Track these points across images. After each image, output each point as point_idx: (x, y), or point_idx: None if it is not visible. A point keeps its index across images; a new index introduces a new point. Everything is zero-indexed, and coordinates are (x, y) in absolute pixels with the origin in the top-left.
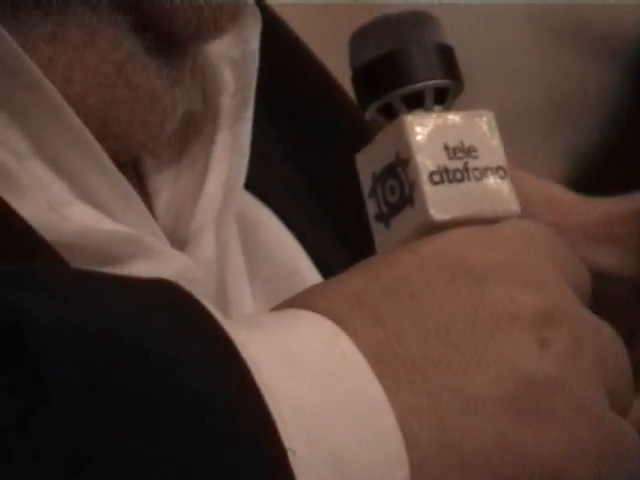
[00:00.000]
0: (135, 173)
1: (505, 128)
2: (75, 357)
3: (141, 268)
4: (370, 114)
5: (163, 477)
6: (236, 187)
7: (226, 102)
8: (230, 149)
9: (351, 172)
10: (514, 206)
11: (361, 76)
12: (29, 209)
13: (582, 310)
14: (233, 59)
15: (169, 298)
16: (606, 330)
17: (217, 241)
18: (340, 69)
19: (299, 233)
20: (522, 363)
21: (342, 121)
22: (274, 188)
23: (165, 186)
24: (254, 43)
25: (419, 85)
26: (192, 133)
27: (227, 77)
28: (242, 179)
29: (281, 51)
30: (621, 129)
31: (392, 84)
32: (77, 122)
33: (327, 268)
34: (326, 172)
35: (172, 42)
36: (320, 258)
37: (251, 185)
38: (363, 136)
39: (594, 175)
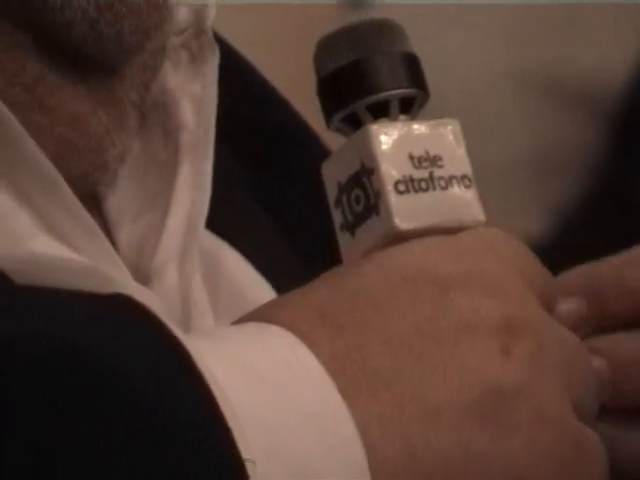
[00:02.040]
0: (95, 205)
1: (486, 182)
2: (27, 371)
3: None
4: (335, 124)
5: None
6: (199, 223)
7: (186, 138)
8: (192, 185)
9: (322, 209)
10: (479, 215)
11: (326, 86)
12: None
13: (546, 318)
14: (193, 94)
15: (124, 310)
16: (570, 338)
17: (180, 277)
18: None
19: (264, 271)
20: (485, 372)
21: (309, 157)
22: (238, 228)
23: (127, 219)
24: (212, 77)
25: (384, 94)
26: (153, 168)
27: (186, 112)
28: (204, 215)
29: (246, 90)
30: (603, 181)
31: (357, 93)
32: (36, 151)
33: None
34: (297, 213)
35: (84, 61)
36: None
37: (214, 225)
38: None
39: (576, 228)
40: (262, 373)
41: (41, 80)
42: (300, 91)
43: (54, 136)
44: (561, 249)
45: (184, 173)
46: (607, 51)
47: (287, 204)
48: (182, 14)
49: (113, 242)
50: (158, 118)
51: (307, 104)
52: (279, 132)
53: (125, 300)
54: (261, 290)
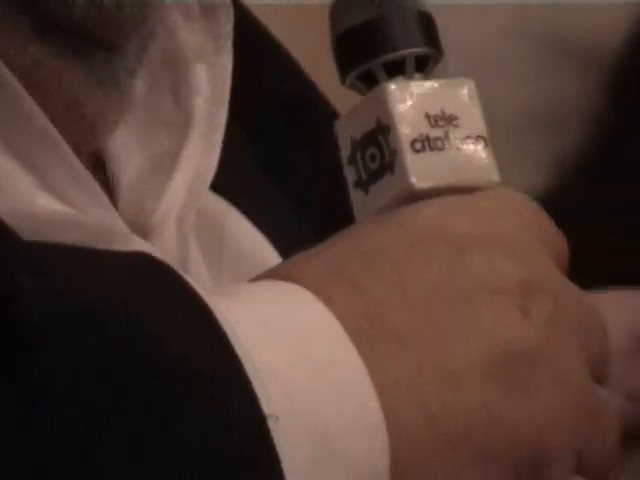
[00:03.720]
0: (98, 162)
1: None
2: (63, 335)
3: None
4: (350, 81)
5: (144, 444)
6: (202, 187)
7: (199, 106)
8: (201, 152)
9: (327, 174)
10: (494, 176)
11: (342, 43)
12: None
13: (563, 280)
14: (205, 54)
15: (148, 269)
16: (585, 300)
17: (178, 234)
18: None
19: (269, 233)
20: (503, 333)
21: (320, 127)
22: (245, 194)
23: (128, 174)
24: (227, 40)
25: (400, 53)
26: (162, 129)
27: (200, 77)
28: (209, 180)
29: (253, 51)
30: (603, 136)
31: (373, 51)
32: (37, 112)
33: None
34: (301, 177)
35: (85, 41)
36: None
37: (220, 188)
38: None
39: (573, 185)
40: (282, 331)
41: (40, 64)
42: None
43: (61, 118)
44: (561, 204)
45: (194, 139)
46: (609, 7)
47: (295, 174)
48: None
49: (112, 197)
50: (169, 77)
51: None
52: (290, 102)
53: (147, 258)
54: (264, 251)
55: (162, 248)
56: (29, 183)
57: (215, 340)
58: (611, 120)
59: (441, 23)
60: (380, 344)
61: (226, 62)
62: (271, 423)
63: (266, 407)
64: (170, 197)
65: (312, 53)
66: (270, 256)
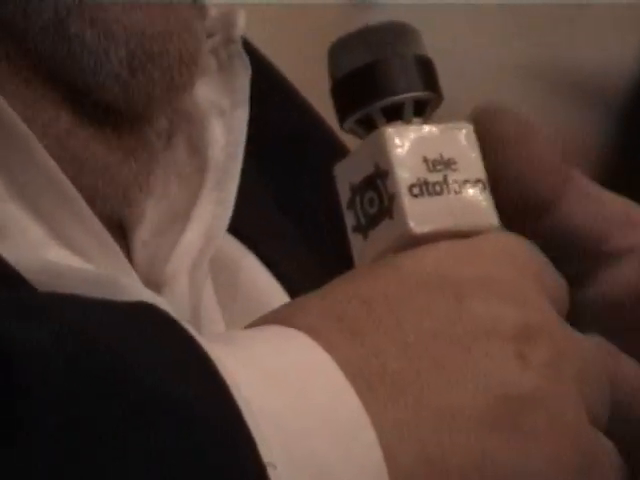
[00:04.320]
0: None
1: None
2: (55, 380)
3: None
4: (349, 125)
5: None
6: (216, 236)
7: (215, 156)
8: (215, 202)
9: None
10: (493, 219)
11: (341, 87)
12: (8, 249)
13: (562, 324)
14: (222, 109)
15: (148, 317)
16: (585, 345)
17: (191, 285)
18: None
19: (284, 278)
20: (501, 378)
21: (330, 161)
22: (261, 234)
23: (142, 229)
24: (244, 94)
25: (399, 97)
26: (175, 180)
27: (216, 128)
28: (223, 231)
29: (266, 94)
30: (610, 175)
31: (372, 96)
32: (52, 165)
33: None
34: (318, 218)
35: (115, 114)
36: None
37: (237, 229)
38: None
39: None
40: (281, 377)
41: (73, 132)
42: (307, 92)
43: (90, 185)
44: None
45: (208, 190)
46: (613, 45)
47: (308, 209)
48: (210, 19)
49: (128, 250)
50: (184, 129)
51: (315, 104)
52: (300, 137)
53: (148, 307)
54: (278, 300)
55: (175, 300)
56: (42, 234)
57: (215, 389)
58: (619, 157)
59: (447, 61)
60: (379, 389)
61: (242, 114)
62: (270, 471)
63: (265, 455)
64: (183, 250)
65: (308, 54)
66: (281, 301)
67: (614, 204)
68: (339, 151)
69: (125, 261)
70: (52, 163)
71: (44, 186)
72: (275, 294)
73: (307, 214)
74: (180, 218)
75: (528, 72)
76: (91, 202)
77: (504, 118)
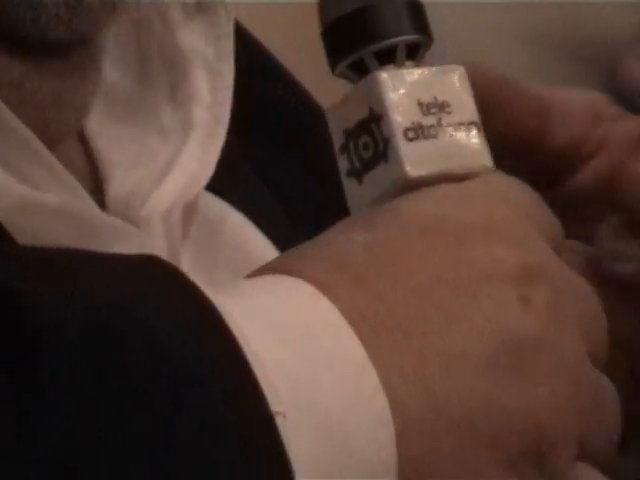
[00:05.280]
0: (84, 145)
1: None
2: (70, 336)
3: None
4: (341, 70)
5: (155, 444)
6: (193, 192)
7: (199, 115)
8: (197, 162)
9: (324, 185)
10: (488, 161)
11: (332, 32)
12: None
13: (560, 264)
14: (206, 59)
15: (154, 272)
16: (582, 285)
17: (166, 230)
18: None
19: (268, 232)
20: (504, 321)
21: (310, 130)
22: (240, 194)
23: (119, 171)
24: (228, 44)
25: (392, 41)
26: (155, 129)
27: (201, 84)
28: (201, 187)
29: (253, 66)
30: None
31: (364, 40)
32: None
33: None
34: (296, 186)
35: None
36: None
37: (217, 190)
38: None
39: None
40: (285, 325)
41: (27, 77)
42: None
43: (42, 121)
44: None
45: (191, 149)
46: (619, 13)
47: (286, 177)
48: None
49: (104, 193)
50: (165, 77)
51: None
52: (279, 105)
53: (153, 260)
54: (265, 249)
55: (151, 242)
56: (6, 176)
57: (223, 342)
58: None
59: (451, 25)
60: (383, 336)
61: (227, 70)
62: (279, 420)
63: (274, 404)
64: (158, 199)
65: (302, 50)
66: (268, 252)
67: (582, 107)
68: (322, 121)
69: (84, 193)
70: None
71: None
72: (261, 245)
73: (290, 187)
74: (158, 169)
75: (530, 36)
76: (51, 137)
77: (483, 70)
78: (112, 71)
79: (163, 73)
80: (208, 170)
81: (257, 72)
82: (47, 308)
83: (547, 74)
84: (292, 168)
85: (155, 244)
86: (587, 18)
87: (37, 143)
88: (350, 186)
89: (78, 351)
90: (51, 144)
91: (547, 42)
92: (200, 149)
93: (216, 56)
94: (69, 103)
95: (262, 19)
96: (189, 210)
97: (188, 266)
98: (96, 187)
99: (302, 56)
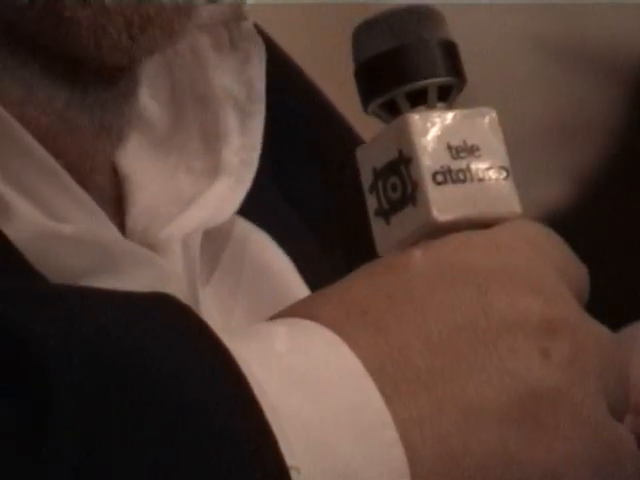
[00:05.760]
0: (114, 173)
1: (508, 149)
2: (76, 374)
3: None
4: (372, 109)
5: None
6: (215, 222)
7: (229, 159)
8: (222, 199)
9: (346, 200)
10: (516, 207)
11: (365, 71)
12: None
13: (583, 317)
14: (237, 100)
15: (167, 311)
16: (605, 337)
17: (185, 255)
18: (337, 70)
19: (291, 251)
20: (525, 375)
21: (337, 147)
22: (265, 214)
23: (143, 199)
24: (260, 86)
25: (423, 82)
26: (183, 166)
27: (232, 126)
28: (225, 219)
29: (277, 82)
30: (624, 149)
31: (396, 81)
32: (29, 140)
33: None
34: (318, 204)
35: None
36: (314, 280)
37: (243, 213)
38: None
39: (596, 196)
40: (304, 375)
41: (72, 105)
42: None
43: (79, 153)
44: (580, 216)
45: (218, 189)
46: (629, 17)
47: (310, 195)
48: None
49: (123, 214)
50: (197, 114)
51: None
52: (311, 127)
53: (168, 300)
54: (287, 269)
55: (169, 267)
56: (29, 207)
57: (237, 390)
58: (631, 129)
59: (461, 33)
60: (402, 385)
61: (258, 111)
62: (293, 475)
63: (289, 457)
64: (180, 224)
65: (311, 53)
66: (291, 276)
67: None
68: (353, 142)
69: (107, 220)
70: (29, 138)
71: (24, 160)
72: (284, 266)
73: (315, 207)
74: (182, 202)
75: (541, 42)
76: (88, 166)
77: None
78: (148, 104)
79: (195, 111)
80: (232, 208)
81: (284, 89)
82: (55, 348)
83: (556, 80)
84: (314, 183)
85: (173, 269)
86: (598, 22)
87: (60, 171)
88: (378, 225)
89: (82, 391)
90: (86, 173)
91: (556, 47)
92: (227, 191)
93: (248, 97)
94: (108, 133)
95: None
96: (211, 234)
97: (209, 289)
98: (119, 212)
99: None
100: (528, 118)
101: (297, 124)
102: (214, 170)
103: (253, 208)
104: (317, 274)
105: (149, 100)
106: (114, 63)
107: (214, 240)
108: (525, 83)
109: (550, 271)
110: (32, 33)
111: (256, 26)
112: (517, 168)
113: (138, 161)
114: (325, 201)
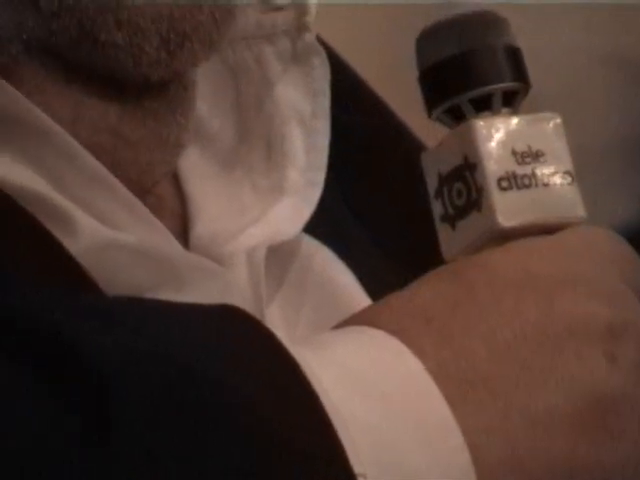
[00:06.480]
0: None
1: (577, 168)
2: (138, 387)
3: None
4: (437, 115)
5: None
6: (279, 240)
7: (294, 178)
8: (287, 220)
9: (414, 217)
10: (581, 212)
11: (429, 77)
12: (64, 238)
13: None
14: (302, 115)
15: (233, 322)
16: None
17: (250, 268)
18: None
19: (356, 272)
20: (591, 380)
21: (402, 161)
22: (331, 231)
23: (207, 212)
24: (324, 100)
25: (488, 88)
26: (248, 183)
27: (296, 141)
28: (289, 237)
29: (342, 96)
30: None
31: (461, 87)
32: (81, 152)
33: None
34: (386, 219)
35: (141, 84)
36: (379, 296)
37: (308, 227)
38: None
39: None
40: (370, 382)
41: (125, 120)
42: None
43: (136, 165)
44: None
45: (283, 208)
46: None
47: (376, 209)
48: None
49: (187, 229)
50: (263, 131)
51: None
52: (376, 142)
53: (232, 311)
54: (351, 285)
55: (234, 281)
56: (91, 220)
57: (304, 398)
58: None
59: (534, 52)
60: (469, 393)
61: (323, 127)
62: None
63: (356, 465)
64: (244, 239)
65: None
66: (356, 293)
67: None
68: (417, 153)
69: (167, 233)
70: (84, 153)
71: (82, 176)
72: (349, 282)
73: (382, 221)
74: (247, 219)
75: (613, 62)
76: (149, 179)
77: None
78: (212, 120)
79: (259, 125)
80: (297, 227)
81: (348, 104)
82: (119, 362)
83: (627, 93)
84: (382, 199)
85: (238, 283)
86: None
87: (118, 185)
88: (443, 231)
89: (149, 407)
90: (148, 187)
91: (619, 61)
92: (292, 210)
93: (312, 113)
94: (165, 143)
95: None
96: (277, 251)
97: (274, 304)
98: (182, 227)
99: None
100: (599, 138)
101: (364, 139)
102: (279, 188)
103: (319, 224)
104: (382, 291)
105: (209, 111)
106: (156, 78)
107: (280, 257)
108: (597, 103)
109: (615, 276)
110: (71, 56)
111: (318, 38)
112: (588, 187)
113: (201, 175)
114: (393, 218)
